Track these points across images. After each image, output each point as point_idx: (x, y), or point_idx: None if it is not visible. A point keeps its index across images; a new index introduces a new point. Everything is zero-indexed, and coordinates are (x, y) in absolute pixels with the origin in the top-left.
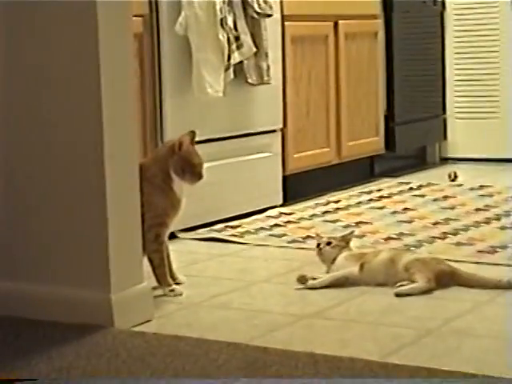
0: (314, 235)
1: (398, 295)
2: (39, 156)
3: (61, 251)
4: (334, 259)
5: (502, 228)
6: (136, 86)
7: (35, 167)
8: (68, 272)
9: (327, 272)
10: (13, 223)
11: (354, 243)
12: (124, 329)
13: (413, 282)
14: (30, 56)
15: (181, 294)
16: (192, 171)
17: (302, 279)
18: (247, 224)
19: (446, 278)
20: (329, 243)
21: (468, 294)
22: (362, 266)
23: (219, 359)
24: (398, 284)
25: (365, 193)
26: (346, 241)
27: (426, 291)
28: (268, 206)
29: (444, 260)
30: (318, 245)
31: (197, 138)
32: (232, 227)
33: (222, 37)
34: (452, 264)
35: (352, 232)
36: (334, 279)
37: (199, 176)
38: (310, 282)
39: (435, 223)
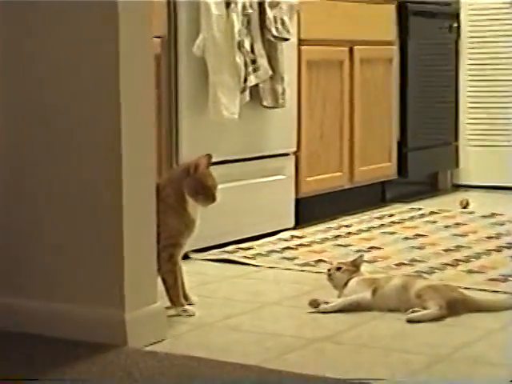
0: (325, 259)
1: (409, 321)
2: (57, 173)
3: (76, 269)
4: (346, 284)
5: None
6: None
7: (53, 184)
8: (83, 290)
9: (339, 297)
10: (27, 239)
11: (365, 268)
12: (137, 348)
13: (425, 308)
14: (53, 77)
15: (193, 315)
16: (205, 193)
17: (314, 303)
18: (259, 246)
19: (458, 306)
20: (339, 268)
21: (480, 321)
22: (374, 292)
23: (231, 381)
24: (410, 310)
25: (376, 218)
26: (355, 265)
27: (438, 318)
28: (280, 228)
29: (456, 287)
30: (329, 270)
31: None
32: (243, 249)
33: (239, 59)
34: (464, 291)
35: (361, 256)
36: (347, 304)
37: (213, 198)
38: (322, 306)
39: (447, 250)
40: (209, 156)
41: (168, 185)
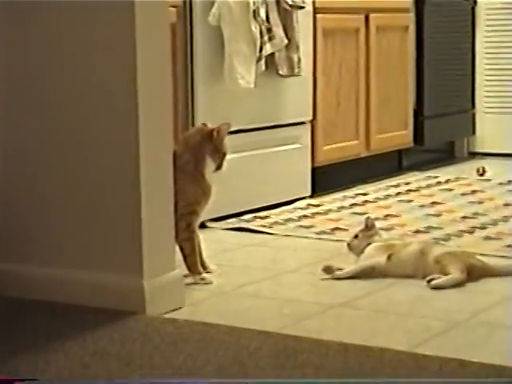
0: (342, 227)
1: (434, 288)
2: (76, 141)
3: (95, 237)
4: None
5: None
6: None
7: (70, 152)
8: (102, 258)
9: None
10: (47, 208)
11: (383, 235)
12: (156, 315)
13: (445, 274)
14: (67, 45)
15: (211, 283)
16: (221, 158)
17: (328, 269)
18: (276, 215)
19: (476, 272)
20: (356, 236)
21: (497, 286)
22: (389, 257)
23: (250, 347)
24: (430, 277)
25: (393, 186)
26: (369, 228)
27: (460, 283)
28: (296, 197)
29: (473, 254)
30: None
31: None
32: (261, 218)
33: (255, 28)
34: (480, 258)
35: (368, 217)
36: (360, 269)
37: (222, 166)
38: (337, 273)
39: (463, 217)
40: (229, 124)
41: (185, 151)
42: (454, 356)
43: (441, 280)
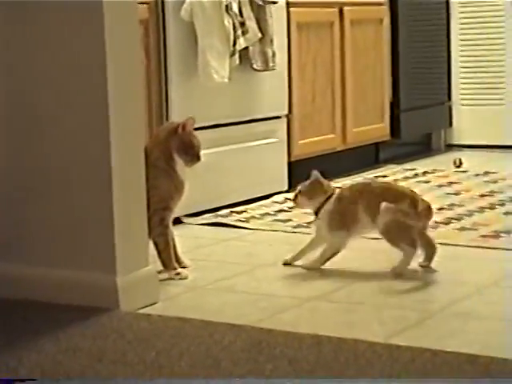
0: None
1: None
2: (45, 142)
3: (67, 234)
4: (318, 209)
5: (506, 213)
6: (142, 72)
7: (41, 152)
8: (74, 255)
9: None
10: (19, 207)
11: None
12: (129, 311)
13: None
14: (35, 44)
15: (186, 278)
16: (191, 152)
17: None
18: (252, 209)
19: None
20: (299, 191)
21: (472, 277)
22: (347, 232)
23: (224, 341)
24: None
25: (370, 179)
26: (314, 184)
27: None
28: (273, 191)
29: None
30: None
31: (203, 124)
32: (237, 212)
33: (228, 23)
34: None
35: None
36: (326, 259)
37: (197, 158)
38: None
39: (440, 209)
40: (193, 119)
41: (155, 147)
42: (428, 346)
43: (398, 268)
